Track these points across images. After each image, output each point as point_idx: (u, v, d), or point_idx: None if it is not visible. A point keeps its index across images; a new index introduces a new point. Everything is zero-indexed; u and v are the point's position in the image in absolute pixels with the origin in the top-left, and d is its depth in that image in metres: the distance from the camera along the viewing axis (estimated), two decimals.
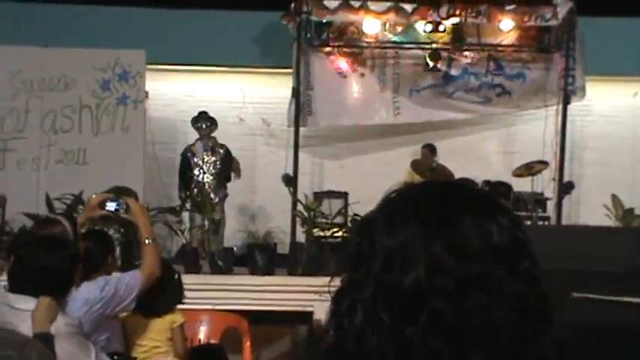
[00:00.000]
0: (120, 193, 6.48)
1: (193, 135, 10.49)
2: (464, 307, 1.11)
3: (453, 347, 1.11)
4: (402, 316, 1.12)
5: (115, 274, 4.76)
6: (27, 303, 3.34)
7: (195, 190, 10.15)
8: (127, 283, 4.50)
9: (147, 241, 4.58)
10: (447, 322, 1.11)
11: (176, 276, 5.36)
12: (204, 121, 10.37)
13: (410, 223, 1.16)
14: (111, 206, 4.65)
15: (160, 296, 5.15)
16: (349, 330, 1.15)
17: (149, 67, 10.63)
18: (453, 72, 11.22)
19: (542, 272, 1.17)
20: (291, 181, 10.37)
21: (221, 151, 10.35)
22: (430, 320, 1.11)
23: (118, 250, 6.80)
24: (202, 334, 6.52)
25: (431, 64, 10.87)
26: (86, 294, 4.23)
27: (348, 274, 1.18)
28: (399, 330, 1.12)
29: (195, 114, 10.44)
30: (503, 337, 1.12)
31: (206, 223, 9.86)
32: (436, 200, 1.19)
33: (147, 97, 10.79)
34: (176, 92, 11.75)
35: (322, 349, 1.19)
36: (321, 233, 9.95)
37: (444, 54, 10.98)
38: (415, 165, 11.00)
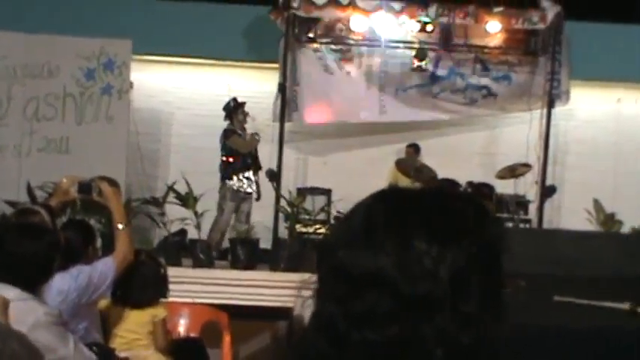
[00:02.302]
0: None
1: (177, 127, 10.37)
2: (354, 310, 1.09)
3: (343, 353, 1.10)
4: (312, 319, 1.14)
5: None
6: (7, 291, 3.30)
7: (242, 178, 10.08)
8: (101, 270, 4.48)
9: (119, 226, 4.55)
10: (337, 326, 1.10)
11: (162, 270, 5.31)
12: (243, 111, 10.17)
13: (338, 230, 1.19)
14: (82, 189, 4.59)
15: (143, 288, 5.12)
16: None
17: (135, 57, 10.57)
18: (440, 72, 11.22)
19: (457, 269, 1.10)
20: (274, 176, 10.33)
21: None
22: (319, 324, 1.12)
23: (99, 240, 6.74)
24: (182, 327, 6.49)
25: (417, 63, 10.86)
26: (60, 284, 4.19)
27: None
28: (313, 335, 1.13)
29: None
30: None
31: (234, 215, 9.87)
32: (363, 212, 1.17)
33: (132, 87, 10.73)
34: (161, 84, 11.68)
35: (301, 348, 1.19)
36: (304, 229, 9.93)
37: (430, 54, 10.99)
38: (400, 164, 10.99)
